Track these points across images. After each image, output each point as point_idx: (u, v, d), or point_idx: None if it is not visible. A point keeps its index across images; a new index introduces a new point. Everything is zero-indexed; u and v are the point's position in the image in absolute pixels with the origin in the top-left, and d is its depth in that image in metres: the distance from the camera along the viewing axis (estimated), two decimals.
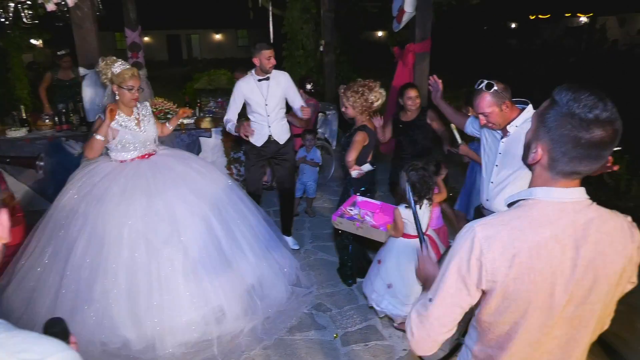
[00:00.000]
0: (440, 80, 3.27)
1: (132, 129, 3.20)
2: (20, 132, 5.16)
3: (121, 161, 3.24)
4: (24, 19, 4.18)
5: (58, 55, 5.93)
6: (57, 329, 1.21)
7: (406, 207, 3.06)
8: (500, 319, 1.25)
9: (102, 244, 2.92)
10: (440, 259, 1.83)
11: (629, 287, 1.32)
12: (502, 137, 2.63)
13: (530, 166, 1.30)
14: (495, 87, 2.46)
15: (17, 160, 1.92)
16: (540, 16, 20.98)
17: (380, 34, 29.81)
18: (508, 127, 2.54)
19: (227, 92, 6.71)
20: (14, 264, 3.15)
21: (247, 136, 3.79)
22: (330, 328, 3.33)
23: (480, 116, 2.54)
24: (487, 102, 2.48)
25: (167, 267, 2.97)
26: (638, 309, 3.38)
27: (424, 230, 3.03)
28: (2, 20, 4.28)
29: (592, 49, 11.98)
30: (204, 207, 3.23)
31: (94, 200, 3.02)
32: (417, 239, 3.00)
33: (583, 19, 20.34)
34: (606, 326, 1.41)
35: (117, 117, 3.14)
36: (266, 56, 3.80)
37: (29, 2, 6.90)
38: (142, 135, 3.25)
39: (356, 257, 3.89)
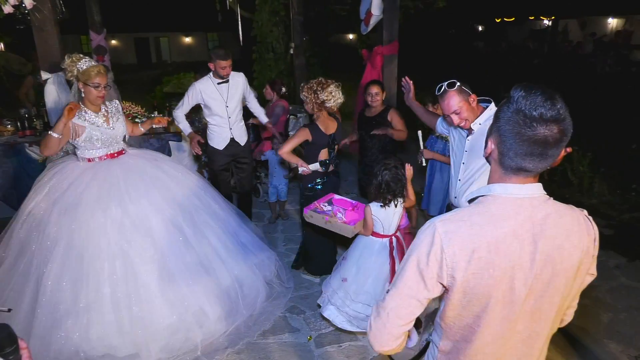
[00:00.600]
0: (411, 82, 3.32)
1: (100, 125, 3.12)
2: None
3: (89, 159, 3.14)
4: None
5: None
6: (2, 334, 1.20)
7: (381, 206, 3.05)
8: (463, 313, 1.28)
9: (82, 256, 2.82)
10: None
11: (589, 279, 1.36)
12: (467, 135, 2.68)
13: (488, 161, 1.33)
14: (458, 83, 2.51)
15: None
16: (505, 19, 21.52)
17: (351, 36, 30.08)
18: (472, 125, 2.59)
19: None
20: None
21: (196, 152, 4.00)
22: (304, 330, 3.33)
23: (453, 116, 2.55)
24: (455, 99, 2.51)
25: (145, 276, 2.93)
26: (602, 302, 3.52)
27: (393, 232, 3.12)
28: None
29: (554, 50, 12.37)
30: (176, 214, 3.19)
31: (67, 208, 2.90)
32: (385, 239, 3.09)
33: (546, 22, 20.98)
34: (568, 319, 1.45)
35: (83, 113, 3.06)
36: (221, 66, 3.86)
37: None
38: (111, 132, 3.17)
39: (321, 251, 3.96)
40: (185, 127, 4.11)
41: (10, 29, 8.57)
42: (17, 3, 3.25)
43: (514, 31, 22.52)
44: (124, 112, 5.42)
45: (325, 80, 3.51)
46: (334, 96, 3.45)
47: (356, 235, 3.25)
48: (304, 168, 3.55)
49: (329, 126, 3.59)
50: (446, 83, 2.53)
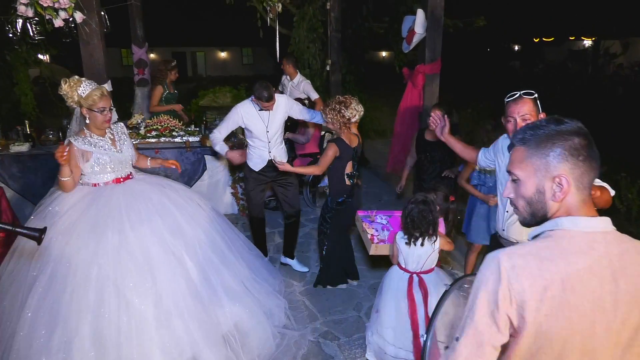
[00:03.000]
0: (445, 116, 3.00)
1: (108, 149, 2.96)
2: (23, 147, 5.11)
3: (94, 184, 2.96)
4: (32, 35, 4.16)
5: (172, 66, 6.04)
6: None
7: (406, 243, 2.88)
8: None
9: (65, 284, 2.57)
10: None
11: None
12: None
13: (543, 216, 1.22)
14: (535, 95, 2.43)
15: (21, 229, 1.82)
16: (544, 39, 21.13)
17: (383, 54, 30.12)
18: None
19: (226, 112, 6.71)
20: None
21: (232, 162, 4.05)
22: (338, 357, 3.19)
23: (519, 120, 2.43)
24: (529, 106, 2.43)
25: (138, 315, 2.64)
26: None
27: (418, 271, 2.92)
28: (10, 35, 4.25)
29: (598, 72, 12.02)
30: (179, 246, 2.94)
31: (59, 234, 2.70)
32: (405, 274, 2.91)
33: (587, 42, 20.48)
34: None
35: (89, 138, 2.89)
36: (265, 106, 3.83)
37: (37, 18, 6.95)
38: (119, 156, 3.01)
39: (335, 262, 4.01)
40: (222, 148, 4.03)
41: (57, 41, 8.88)
42: (67, 17, 3.30)
43: (552, 51, 22.08)
44: (163, 125, 5.56)
45: (344, 97, 3.69)
46: (357, 111, 3.67)
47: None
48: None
49: (352, 139, 3.76)
50: (524, 91, 2.45)
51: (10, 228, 1.76)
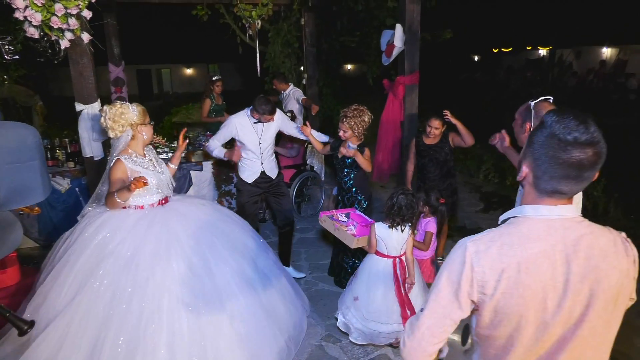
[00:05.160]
0: (505, 133, 2.96)
1: (153, 170, 2.98)
2: None
3: (140, 207, 2.94)
4: (5, 55, 4.10)
5: (213, 80, 6.50)
6: None
7: (389, 226, 3.22)
8: (495, 333, 1.29)
9: (141, 317, 2.54)
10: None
11: (630, 303, 1.35)
12: None
13: (522, 185, 1.36)
14: (532, 104, 2.45)
15: (13, 318, 1.84)
16: (502, 49, 22.06)
17: (348, 66, 30.66)
18: None
19: (206, 126, 6.80)
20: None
21: (233, 161, 4.07)
22: (342, 358, 3.30)
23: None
24: (520, 109, 2.53)
25: (212, 338, 2.65)
26: (633, 325, 3.53)
27: (399, 254, 3.23)
28: None
29: (559, 80, 12.74)
30: (241, 265, 3.01)
31: (125, 264, 2.65)
32: (389, 260, 3.22)
33: (542, 51, 21.53)
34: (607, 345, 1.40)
35: (134, 158, 2.92)
36: (267, 119, 3.97)
37: (9, 38, 6.83)
38: (161, 177, 3.02)
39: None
40: (220, 152, 4.15)
41: (24, 62, 8.71)
42: (73, 37, 3.33)
43: (510, 60, 23.06)
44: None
45: (356, 106, 3.86)
46: (370, 116, 3.89)
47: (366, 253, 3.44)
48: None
49: None
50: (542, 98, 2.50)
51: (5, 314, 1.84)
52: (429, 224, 3.79)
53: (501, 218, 1.37)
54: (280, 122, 4.19)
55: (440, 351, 1.41)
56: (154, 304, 2.58)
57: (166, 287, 2.63)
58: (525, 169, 1.29)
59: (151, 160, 3.06)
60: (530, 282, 1.20)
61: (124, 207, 2.92)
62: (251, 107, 3.99)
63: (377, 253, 3.28)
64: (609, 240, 1.25)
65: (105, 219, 2.85)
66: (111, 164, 2.90)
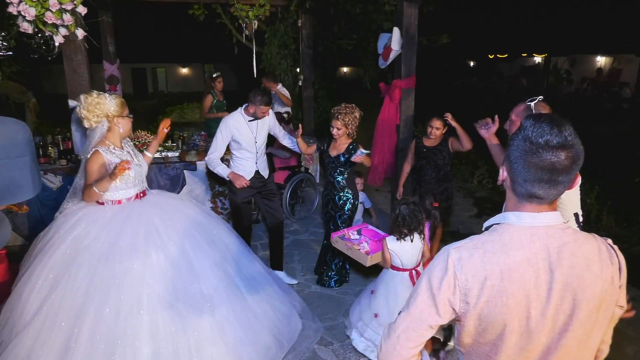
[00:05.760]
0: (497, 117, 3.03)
1: (131, 162, 2.89)
2: None
3: (118, 201, 2.89)
4: None
5: (213, 77, 6.57)
6: None
7: (397, 239, 3.14)
8: (479, 340, 1.28)
9: (119, 312, 2.50)
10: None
11: (618, 311, 1.34)
12: None
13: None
14: (532, 104, 2.50)
15: None
16: (498, 55, 22.18)
17: (345, 69, 30.71)
18: None
19: (200, 126, 6.78)
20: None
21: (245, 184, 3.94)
22: None
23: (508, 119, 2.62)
24: (517, 110, 2.57)
25: (193, 332, 2.63)
26: (625, 334, 3.53)
27: (415, 265, 3.17)
28: None
29: (554, 88, 12.82)
30: (217, 256, 2.99)
31: (100, 258, 2.61)
32: (405, 273, 3.15)
33: (537, 59, 21.68)
34: (602, 355, 1.40)
35: (112, 150, 2.87)
36: (262, 111, 3.95)
37: (2, 34, 6.77)
38: (139, 170, 2.99)
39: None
40: (223, 170, 4.04)
41: (18, 58, 8.65)
42: (67, 34, 3.29)
43: (505, 67, 23.20)
44: (140, 141, 5.52)
45: (343, 104, 3.96)
46: (360, 111, 4.00)
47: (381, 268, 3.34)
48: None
49: None
50: (536, 98, 2.53)
51: None
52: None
53: (485, 225, 1.36)
54: (272, 120, 4.21)
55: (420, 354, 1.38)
56: (133, 296, 2.55)
57: (145, 280, 2.60)
58: (503, 172, 1.30)
59: (129, 152, 3.02)
60: (513, 290, 1.19)
61: (102, 203, 2.88)
62: (245, 105, 3.99)
63: (393, 267, 3.21)
64: (594, 248, 1.24)
65: (81, 216, 2.80)
66: (88, 156, 2.84)
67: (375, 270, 3.56)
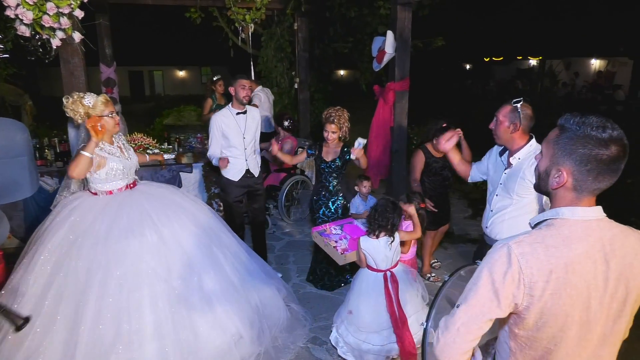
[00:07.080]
0: (460, 131, 3.21)
1: (120, 156, 3.10)
2: None
3: (109, 192, 3.06)
4: None
5: (214, 80, 6.51)
6: None
7: (369, 235, 3.17)
8: (538, 335, 1.32)
9: (122, 286, 2.71)
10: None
11: None
12: (505, 169, 2.77)
13: (545, 191, 1.40)
14: (518, 106, 2.59)
15: (8, 311, 1.86)
16: (493, 58, 22.31)
17: (341, 72, 30.81)
18: (511, 159, 2.68)
19: (196, 128, 6.81)
20: None
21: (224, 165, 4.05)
22: None
23: (495, 120, 2.70)
24: (504, 111, 2.64)
25: (187, 301, 2.88)
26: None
27: (390, 267, 3.17)
28: None
29: (547, 91, 12.93)
30: (204, 237, 3.19)
31: (98, 240, 2.78)
32: (380, 274, 3.14)
33: (532, 61, 21.80)
34: (626, 335, 1.46)
35: (101, 145, 3.01)
36: (242, 84, 3.99)
37: (0, 36, 6.79)
38: (128, 163, 3.15)
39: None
40: (216, 161, 4.16)
41: (14, 61, 8.66)
42: (64, 37, 3.33)
43: (500, 70, 23.32)
44: (137, 143, 5.56)
45: (332, 109, 3.99)
46: (347, 111, 4.03)
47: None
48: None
49: None
50: (518, 99, 2.62)
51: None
52: (409, 227, 3.79)
53: (534, 220, 1.41)
54: (260, 120, 4.35)
55: (472, 357, 1.41)
56: (133, 272, 2.76)
57: (142, 258, 2.82)
58: (564, 175, 1.31)
59: (119, 147, 3.16)
60: (576, 281, 1.25)
61: (95, 193, 3.05)
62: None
63: (368, 267, 3.21)
64: (637, 239, 1.33)
65: (77, 205, 2.97)
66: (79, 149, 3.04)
67: None
